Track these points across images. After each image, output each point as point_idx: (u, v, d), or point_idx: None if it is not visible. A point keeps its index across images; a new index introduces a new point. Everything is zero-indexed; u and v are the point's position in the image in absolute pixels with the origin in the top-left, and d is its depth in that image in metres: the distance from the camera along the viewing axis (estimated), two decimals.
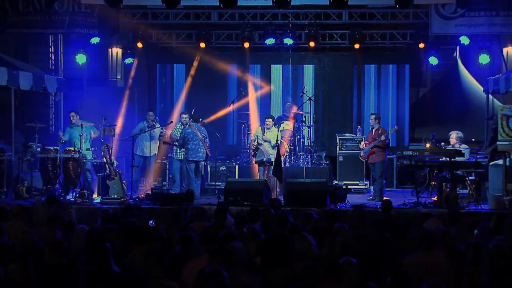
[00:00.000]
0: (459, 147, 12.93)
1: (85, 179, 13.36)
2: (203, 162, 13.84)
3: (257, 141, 13.83)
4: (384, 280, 5.52)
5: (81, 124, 13.41)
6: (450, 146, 13.17)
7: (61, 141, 13.56)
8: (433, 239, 6.59)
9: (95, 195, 13.35)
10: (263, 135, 13.88)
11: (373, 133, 13.69)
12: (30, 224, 8.63)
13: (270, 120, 14.00)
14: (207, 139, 13.79)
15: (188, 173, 13.51)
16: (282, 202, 11.44)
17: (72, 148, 13.31)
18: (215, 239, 6.86)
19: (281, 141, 13.83)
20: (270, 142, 13.76)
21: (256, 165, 14.59)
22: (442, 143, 13.63)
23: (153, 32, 16.53)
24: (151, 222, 9.07)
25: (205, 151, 13.63)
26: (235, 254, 6.15)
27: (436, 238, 7.09)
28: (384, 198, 12.15)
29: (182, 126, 14.01)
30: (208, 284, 5.21)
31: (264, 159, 13.65)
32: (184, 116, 14.13)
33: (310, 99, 15.50)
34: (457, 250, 6.84)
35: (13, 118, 13.51)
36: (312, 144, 15.81)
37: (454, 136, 13.19)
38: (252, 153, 14.13)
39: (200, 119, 15.69)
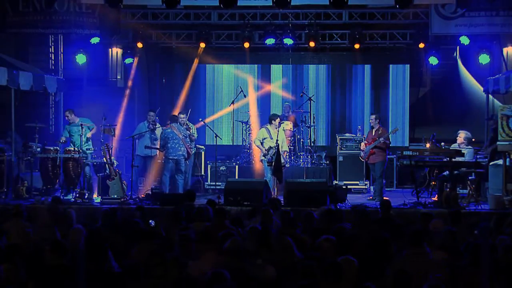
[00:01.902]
0: (465, 147, 12.93)
1: (84, 178, 13.38)
2: (184, 161, 13.76)
3: (267, 146, 13.49)
4: (382, 280, 5.53)
5: (81, 124, 13.41)
6: (456, 145, 13.16)
7: (61, 140, 13.58)
8: (420, 236, 6.59)
9: (95, 195, 13.35)
10: (271, 137, 13.55)
11: (373, 133, 13.68)
12: (30, 224, 8.64)
13: (279, 119, 13.80)
14: (187, 138, 13.79)
15: (164, 172, 13.59)
16: (282, 202, 11.44)
17: (72, 148, 13.31)
18: (215, 239, 6.88)
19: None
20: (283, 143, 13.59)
21: (257, 165, 14.61)
22: (442, 143, 13.63)
23: (153, 32, 16.53)
24: (151, 222, 9.07)
25: (185, 149, 13.62)
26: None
27: (439, 238, 7.11)
28: (384, 198, 12.16)
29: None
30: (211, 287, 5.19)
31: (282, 161, 13.43)
32: (181, 116, 14.17)
33: (310, 99, 15.52)
34: (457, 251, 6.84)
35: (13, 118, 13.50)
36: (312, 144, 15.81)
37: (462, 135, 13.14)
38: (264, 157, 13.71)
39: (200, 119, 15.74)
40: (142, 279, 5.80)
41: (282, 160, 13.19)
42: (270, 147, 13.34)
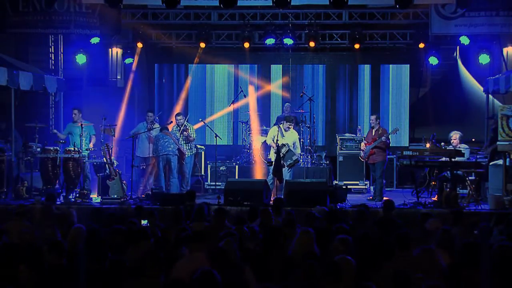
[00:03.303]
0: (462, 147, 12.93)
1: (84, 179, 13.41)
2: (178, 159, 13.79)
3: (280, 143, 13.42)
4: (382, 280, 5.53)
5: (81, 124, 13.42)
6: (451, 146, 13.16)
7: (61, 140, 13.57)
8: (408, 239, 6.60)
9: (95, 195, 13.35)
10: (282, 136, 13.52)
11: (373, 133, 13.68)
12: (32, 224, 8.63)
13: (294, 122, 13.86)
14: (179, 140, 13.87)
15: (158, 171, 13.68)
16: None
17: (72, 148, 13.32)
18: (215, 239, 6.87)
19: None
20: (294, 144, 13.61)
21: (257, 165, 14.60)
22: (442, 143, 13.62)
23: (153, 32, 16.54)
24: (145, 222, 9.06)
25: (176, 147, 13.70)
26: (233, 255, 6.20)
27: (436, 237, 7.10)
28: (385, 198, 12.15)
29: (178, 128, 14.10)
30: (200, 286, 5.18)
31: (295, 157, 13.50)
32: (178, 118, 14.18)
33: (310, 99, 15.53)
34: (453, 250, 6.84)
35: (13, 118, 13.50)
36: (312, 144, 15.81)
37: (457, 136, 13.15)
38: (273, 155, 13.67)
39: (200, 119, 15.74)
40: (136, 278, 5.78)
41: (295, 157, 13.25)
42: (283, 144, 13.32)
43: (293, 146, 13.51)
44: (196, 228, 7.96)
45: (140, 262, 5.95)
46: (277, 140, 13.19)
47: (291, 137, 13.55)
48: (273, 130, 13.73)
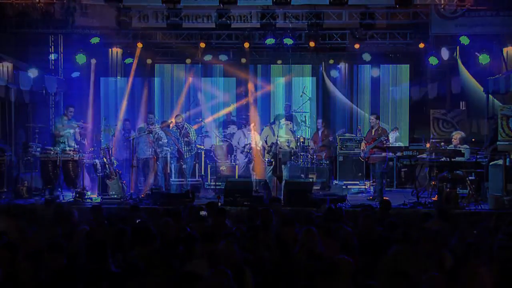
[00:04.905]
0: (460, 147, 12.93)
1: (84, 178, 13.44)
2: (177, 160, 13.84)
3: (270, 142, 13.50)
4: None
5: (80, 125, 13.43)
6: (452, 146, 13.17)
7: (59, 140, 13.53)
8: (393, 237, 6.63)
9: (95, 195, 13.36)
10: (273, 133, 13.58)
11: (373, 133, 13.69)
12: (33, 225, 8.64)
13: (284, 119, 13.90)
14: (179, 140, 13.89)
15: (157, 172, 13.79)
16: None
17: (72, 148, 13.32)
18: (215, 239, 6.88)
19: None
20: (289, 143, 13.70)
21: (257, 165, 14.62)
22: (442, 143, 13.62)
23: (153, 32, 16.53)
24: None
25: (176, 147, 13.78)
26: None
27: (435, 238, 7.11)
28: (384, 198, 12.15)
29: (178, 130, 14.13)
30: (211, 284, 5.19)
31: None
32: (178, 121, 14.19)
33: (310, 99, 15.52)
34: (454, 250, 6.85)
35: (13, 118, 13.50)
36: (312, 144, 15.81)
37: (458, 136, 13.14)
38: (268, 153, 13.78)
39: (200, 119, 15.75)
40: (142, 278, 5.79)
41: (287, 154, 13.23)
42: (272, 143, 13.41)
43: (287, 143, 13.57)
44: (197, 229, 7.96)
45: (146, 261, 5.95)
46: (266, 140, 13.34)
47: (283, 134, 13.59)
48: (265, 132, 13.87)
